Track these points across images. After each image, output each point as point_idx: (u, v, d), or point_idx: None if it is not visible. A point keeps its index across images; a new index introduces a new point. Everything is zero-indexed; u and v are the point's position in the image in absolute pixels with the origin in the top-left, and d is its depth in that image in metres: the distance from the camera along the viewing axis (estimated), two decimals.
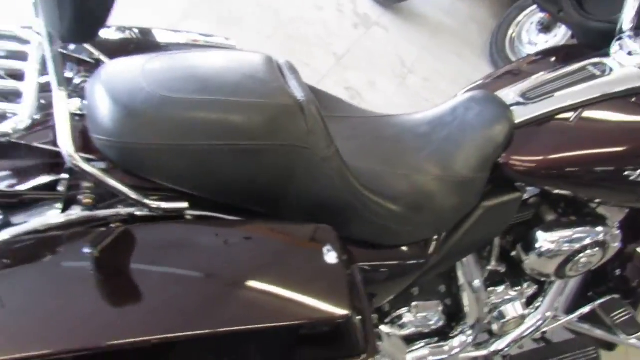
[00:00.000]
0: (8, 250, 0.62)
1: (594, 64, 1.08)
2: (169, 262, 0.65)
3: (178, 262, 0.65)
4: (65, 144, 0.65)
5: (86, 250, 0.63)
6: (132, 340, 0.55)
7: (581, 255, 1.11)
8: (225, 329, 0.60)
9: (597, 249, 1.12)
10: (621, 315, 1.33)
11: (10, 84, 0.75)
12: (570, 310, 1.36)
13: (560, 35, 2.87)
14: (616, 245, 1.16)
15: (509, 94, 1.07)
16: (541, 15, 2.91)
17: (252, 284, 0.67)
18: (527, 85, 1.07)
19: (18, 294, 0.58)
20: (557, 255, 1.10)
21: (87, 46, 0.91)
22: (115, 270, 0.64)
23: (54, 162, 0.72)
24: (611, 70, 1.06)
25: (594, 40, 1.19)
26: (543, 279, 1.25)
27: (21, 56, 0.80)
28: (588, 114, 1.03)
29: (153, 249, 0.67)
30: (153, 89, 0.73)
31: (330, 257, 0.72)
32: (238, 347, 0.64)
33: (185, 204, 0.74)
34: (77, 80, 0.85)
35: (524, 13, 3.00)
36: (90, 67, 0.91)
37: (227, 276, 0.67)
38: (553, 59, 1.21)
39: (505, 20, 3.08)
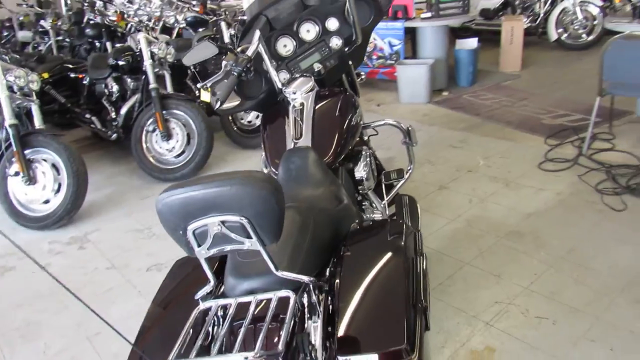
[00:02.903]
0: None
1: (295, 106, 1.88)
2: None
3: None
4: None
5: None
6: None
7: (371, 163, 2.04)
8: None
9: (372, 157, 2.11)
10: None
11: None
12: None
13: (180, 137, 3.91)
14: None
15: (290, 144, 1.82)
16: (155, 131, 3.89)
17: None
18: (289, 130, 1.85)
19: None
20: (369, 173, 1.98)
21: None
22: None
23: None
24: (303, 103, 1.91)
25: (267, 104, 2.05)
26: (373, 186, 2.09)
27: None
28: (318, 121, 1.85)
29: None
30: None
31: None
32: None
33: None
34: None
35: (144, 134, 3.94)
36: None
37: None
38: (275, 117, 1.96)
39: (134, 146, 3.93)
